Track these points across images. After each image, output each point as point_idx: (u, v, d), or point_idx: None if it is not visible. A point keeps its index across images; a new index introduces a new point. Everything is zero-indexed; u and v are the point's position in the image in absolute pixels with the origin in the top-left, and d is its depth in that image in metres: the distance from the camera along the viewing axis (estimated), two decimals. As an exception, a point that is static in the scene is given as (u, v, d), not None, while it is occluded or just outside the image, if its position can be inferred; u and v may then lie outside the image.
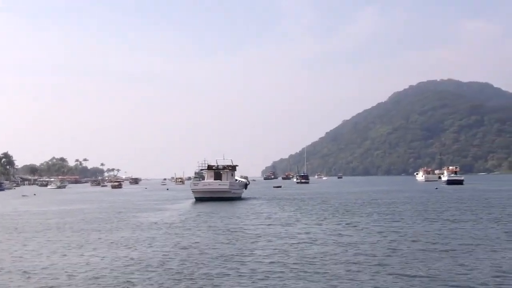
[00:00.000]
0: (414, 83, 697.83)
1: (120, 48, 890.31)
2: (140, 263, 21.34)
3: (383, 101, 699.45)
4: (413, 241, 26.01)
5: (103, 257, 23.18)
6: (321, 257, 21.66)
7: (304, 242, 26.16)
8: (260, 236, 29.01)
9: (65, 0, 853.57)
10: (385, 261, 20.59)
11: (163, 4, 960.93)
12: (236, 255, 22.52)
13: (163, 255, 23.19)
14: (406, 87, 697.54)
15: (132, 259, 22.37)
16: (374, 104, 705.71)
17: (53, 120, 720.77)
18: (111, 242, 28.02)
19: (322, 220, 38.43)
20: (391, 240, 26.30)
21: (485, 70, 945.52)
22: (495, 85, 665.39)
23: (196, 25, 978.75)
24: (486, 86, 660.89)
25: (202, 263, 20.84)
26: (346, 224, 35.10)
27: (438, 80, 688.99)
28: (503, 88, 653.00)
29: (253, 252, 23.34)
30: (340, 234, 29.50)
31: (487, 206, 50.02)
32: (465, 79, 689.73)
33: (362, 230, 31.28)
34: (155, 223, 38.86)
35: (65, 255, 24.14)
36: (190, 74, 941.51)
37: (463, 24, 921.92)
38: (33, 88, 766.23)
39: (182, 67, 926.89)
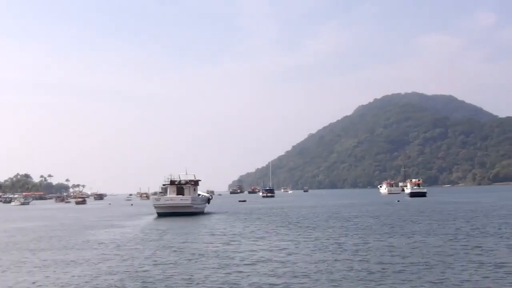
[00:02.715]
0: (378, 96, 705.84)
1: (83, 64, 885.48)
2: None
3: (348, 115, 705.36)
4: (359, 260, 24.84)
5: (19, 281, 22.11)
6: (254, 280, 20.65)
7: (240, 263, 24.91)
8: (203, 256, 27.84)
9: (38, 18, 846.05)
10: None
11: (131, 22, 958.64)
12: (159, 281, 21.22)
13: (80, 280, 21.79)
14: (371, 100, 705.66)
15: (40, 286, 21.16)
16: (340, 118, 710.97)
17: (18, 136, 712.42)
18: (44, 264, 26.77)
19: (275, 236, 37.59)
20: (336, 260, 25.05)
21: (449, 83, 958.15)
22: (459, 98, 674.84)
23: (164, 42, 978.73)
24: (450, 99, 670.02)
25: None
26: (296, 240, 34.12)
27: (402, 93, 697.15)
28: (467, 101, 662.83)
29: (184, 275, 22.17)
30: (284, 251, 28.59)
31: (444, 220, 49.37)
32: (429, 92, 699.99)
33: (308, 247, 30.11)
34: (103, 242, 37.11)
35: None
36: (156, 91, 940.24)
37: (426, 37, 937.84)
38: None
39: (148, 84, 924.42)
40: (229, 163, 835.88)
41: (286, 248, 29.92)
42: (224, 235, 40.17)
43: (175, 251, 30.60)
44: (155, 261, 26.72)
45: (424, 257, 25.24)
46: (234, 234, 40.41)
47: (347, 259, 25.10)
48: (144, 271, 23.62)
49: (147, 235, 42.17)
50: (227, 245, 32.74)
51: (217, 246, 32.05)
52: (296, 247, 30.38)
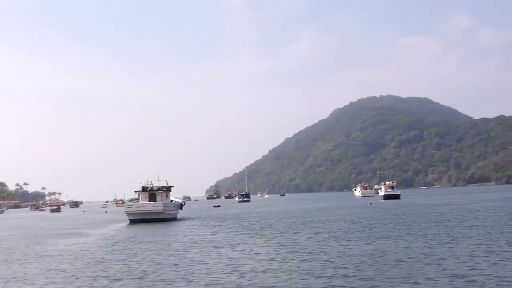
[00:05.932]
0: (354, 99, 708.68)
1: (54, 67, 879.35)
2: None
3: (325, 118, 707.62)
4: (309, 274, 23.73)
5: None
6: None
7: (192, 276, 23.42)
8: (143, 271, 25.59)
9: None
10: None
11: (111, 27, 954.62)
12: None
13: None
14: (347, 103, 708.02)
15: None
16: (316, 121, 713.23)
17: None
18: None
19: (233, 245, 36.15)
20: (289, 270, 23.80)
21: (424, 86, 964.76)
22: (434, 100, 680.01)
23: (142, 47, 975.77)
24: (425, 101, 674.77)
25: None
26: (256, 248, 33.03)
27: (377, 96, 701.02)
28: (441, 103, 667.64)
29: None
30: (236, 261, 27.27)
31: (411, 223, 48.53)
32: (404, 94, 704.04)
33: (260, 257, 28.43)
34: (52, 255, 34.80)
35: None
36: (133, 97, 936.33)
37: (401, 41, 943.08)
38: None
39: (124, 91, 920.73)
40: (206, 168, 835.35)
41: (239, 258, 28.71)
42: (184, 243, 38.67)
43: (119, 263, 28.65)
44: (84, 276, 24.68)
45: (359, 266, 23.72)
46: (203, 241, 39.53)
47: (300, 270, 23.67)
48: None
49: (103, 246, 40.10)
50: (178, 256, 30.74)
51: (165, 258, 30.10)
52: (249, 256, 29.21)
